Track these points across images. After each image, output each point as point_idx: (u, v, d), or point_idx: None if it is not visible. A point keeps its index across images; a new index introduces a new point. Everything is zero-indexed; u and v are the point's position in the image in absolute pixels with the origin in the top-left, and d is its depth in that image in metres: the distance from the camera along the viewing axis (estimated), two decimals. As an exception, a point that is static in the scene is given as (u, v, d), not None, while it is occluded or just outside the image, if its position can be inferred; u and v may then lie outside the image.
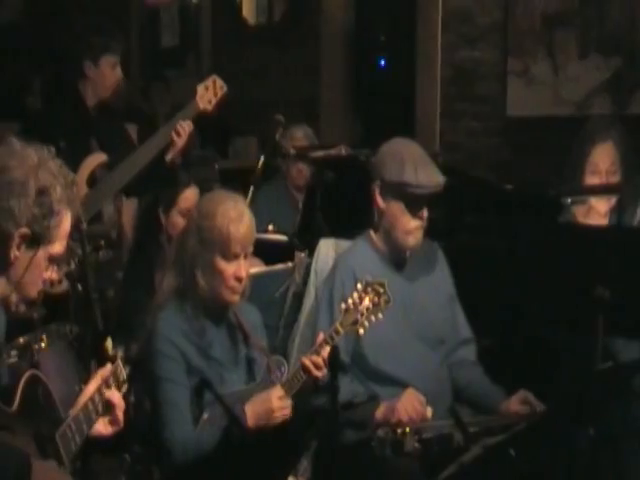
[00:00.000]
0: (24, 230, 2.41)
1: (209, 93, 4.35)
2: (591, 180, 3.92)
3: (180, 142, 4.32)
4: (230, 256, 3.08)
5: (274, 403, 3.02)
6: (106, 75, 4.52)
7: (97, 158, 4.41)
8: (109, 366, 2.67)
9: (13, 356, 3.23)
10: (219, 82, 4.38)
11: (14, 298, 2.48)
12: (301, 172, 5.37)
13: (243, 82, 7.16)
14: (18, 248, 2.43)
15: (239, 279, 3.09)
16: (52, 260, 2.51)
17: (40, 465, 2.34)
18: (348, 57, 7.13)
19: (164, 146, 4.32)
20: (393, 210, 3.47)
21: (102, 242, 4.10)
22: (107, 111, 4.66)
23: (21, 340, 3.33)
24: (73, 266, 3.80)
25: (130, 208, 4.89)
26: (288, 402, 3.04)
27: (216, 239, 3.06)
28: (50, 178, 2.45)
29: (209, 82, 4.37)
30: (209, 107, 4.36)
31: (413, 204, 3.44)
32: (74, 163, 3.94)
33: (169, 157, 4.33)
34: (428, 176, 3.42)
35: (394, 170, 3.43)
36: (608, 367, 3.08)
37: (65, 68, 4.82)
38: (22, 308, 2.52)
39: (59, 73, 5.34)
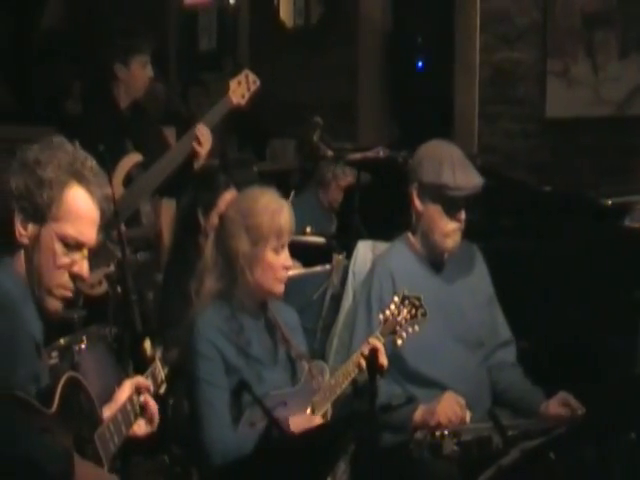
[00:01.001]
0: (21, 203, 2.41)
1: (242, 88, 4.35)
2: None
3: (203, 151, 4.34)
4: (279, 248, 3.12)
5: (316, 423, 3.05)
6: (137, 75, 4.55)
7: (132, 158, 4.44)
8: (142, 377, 2.67)
9: (54, 357, 3.26)
10: (252, 76, 4.37)
11: (38, 291, 2.45)
12: (339, 195, 5.37)
13: (281, 84, 7.18)
14: (23, 227, 2.43)
15: (287, 268, 3.15)
16: (68, 245, 2.45)
17: (82, 463, 2.36)
18: (386, 59, 7.11)
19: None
20: (431, 212, 3.45)
21: (140, 244, 4.13)
22: (140, 111, 4.69)
23: (62, 341, 3.36)
24: (112, 268, 3.83)
25: (169, 209, 4.92)
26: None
27: (267, 233, 3.09)
28: (48, 152, 2.45)
29: (242, 77, 4.37)
30: (242, 101, 4.37)
31: (451, 206, 3.43)
32: (111, 165, 3.99)
33: (197, 165, 4.36)
34: (466, 178, 3.41)
35: (432, 172, 3.42)
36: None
37: (97, 71, 4.86)
38: (53, 304, 2.47)
39: (94, 76, 5.41)
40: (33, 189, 2.41)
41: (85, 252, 2.49)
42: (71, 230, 2.44)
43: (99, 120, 4.49)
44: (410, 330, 3.21)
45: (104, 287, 3.98)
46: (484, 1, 6.24)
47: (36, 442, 2.26)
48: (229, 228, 3.15)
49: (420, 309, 3.22)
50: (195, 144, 4.31)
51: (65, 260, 2.45)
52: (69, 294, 2.48)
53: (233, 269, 3.12)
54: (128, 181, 4.38)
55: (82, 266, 2.48)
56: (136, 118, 4.62)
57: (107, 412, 2.58)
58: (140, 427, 2.63)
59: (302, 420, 3.03)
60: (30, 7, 8.25)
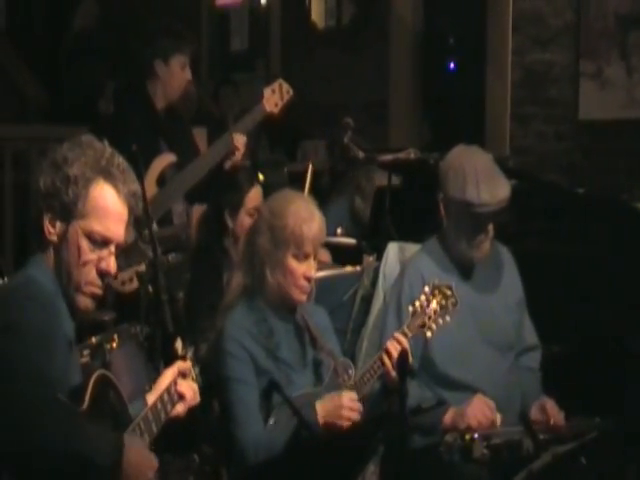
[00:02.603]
0: (49, 201, 2.42)
1: (275, 96, 4.39)
2: None
3: (238, 155, 4.37)
4: (301, 256, 3.09)
5: (344, 401, 3.02)
6: (175, 74, 4.55)
7: (166, 158, 4.46)
8: (181, 362, 2.69)
9: (85, 356, 3.27)
10: (285, 86, 4.40)
11: (68, 289, 2.46)
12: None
13: (312, 85, 7.17)
14: (52, 225, 2.44)
15: (308, 279, 3.10)
16: (95, 241, 2.45)
17: (131, 443, 2.37)
18: (417, 60, 7.09)
19: (230, 148, 4.38)
20: (457, 225, 3.39)
21: (171, 245, 4.14)
22: (175, 113, 4.71)
23: (93, 340, 3.37)
24: (144, 267, 3.85)
25: (199, 210, 4.93)
26: (359, 404, 3.03)
27: (289, 238, 3.07)
28: (76, 149, 2.46)
29: (275, 86, 4.41)
30: (275, 110, 4.40)
31: (477, 221, 3.36)
32: (144, 164, 4.03)
33: (227, 166, 4.38)
34: (491, 193, 3.30)
35: (456, 187, 3.34)
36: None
37: (136, 67, 4.89)
38: (84, 302, 2.47)
39: (130, 75, 5.43)
40: (59, 186, 2.42)
41: (112, 249, 2.49)
42: (97, 226, 2.45)
43: (134, 119, 4.51)
44: (441, 321, 3.16)
45: (135, 284, 4.00)
46: (517, 2, 6.20)
47: (86, 436, 2.27)
48: (257, 223, 3.17)
49: (451, 299, 3.18)
50: (232, 152, 4.34)
51: (91, 256, 2.45)
52: (98, 291, 2.49)
53: (255, 265, 3.12)
54: (161, 181, 4.40)
55: (109, 262, 2.48)
56: (171, 120, 4.65)
57: (151, 398, 2.59)
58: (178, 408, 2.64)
59: (329, 404, 3.00)
60: (64, 7, 8.30)
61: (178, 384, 2.63)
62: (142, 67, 4.59)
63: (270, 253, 3.08)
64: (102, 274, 2.48)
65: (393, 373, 3.07)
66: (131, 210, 2.52)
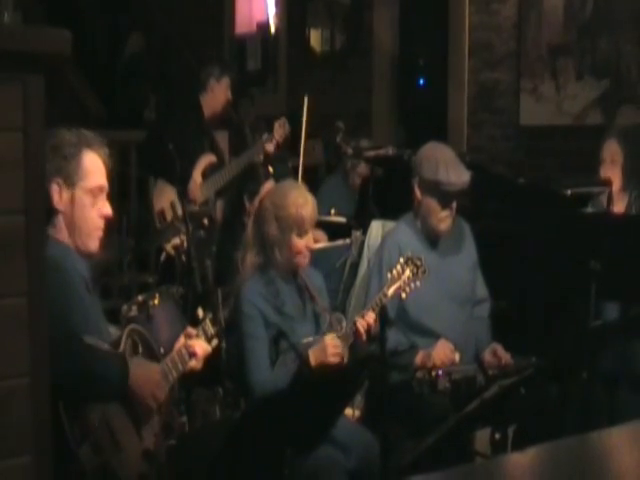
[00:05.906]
0: (53, 178, 2.34)
1: (280, 130, 4.68)
2: (602, 167, 3.79)
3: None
4: (302, 233, 3.06)
5: (327, 342, 2.98)
6: (223, 91, 4.69)
7: (208, 158, 4.53)
8: (189, 328, 2.64)
9: (133, 310, 3.23)
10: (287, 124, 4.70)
11: (80, 239, 2.37)
12: (358, 177, 5.35)
13: (310, 97, 7.08)
14: (59, 195, 2.35)
15: (309, 249, 3.09)
16: (96, 194, 2.38)
17: (135, 363, 2.33)
18: (394, 77, 7.02)
19: (251, 161, 4.48)
20: (428, 202, 3.37)
21: (205, 221, 4.17)
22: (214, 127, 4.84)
23: (139, 298, 3.33)
24: (178, 241, 3.81)
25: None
26: (338, 341, 2.99)
27: (292, 223, 3.03)
28: (61, 134, 2.40)
29: (281, 121, 4.69)
30: (280, 140, 4.69)
31: (445, 198, 3.34)
32: (192, 157, 4.34)
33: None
34: (457, 175, 3.31)
35: (430, 170, 3.32)
36: (598, 324, 3.00)
37: (186, 84, 5.01)
38: (93, 244, 2.38)
39: (174, 92, 5.49)
40: (61, 166, 2.34)
41: (105, 195, 2.42)
42: (95, 182, 2.38)
43: (186, 123, 4.56)
44: (413, 286, 3.14)
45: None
46: (472, 33, 6.16)
47: (97, 359, 2.23)
48: (264, 216, 3.10)
49: (421, 267, 3.15)
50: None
51: (99, 206, 2.38)
52: (102, 234, 2.41)
53: (266, 248, 3.07)
54: (204, 174, 4.50)
55: (107, 206, 2.41)
56: (212, 129, 4.76)
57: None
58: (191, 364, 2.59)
59: (317, 349, 2.96)
60: (117, 38, 8.25)
61: (190, 345, 2.57)
62: (196, 83, 4.66)
63: (278, 237, 3.04)
64: (104, 218, 2.40)
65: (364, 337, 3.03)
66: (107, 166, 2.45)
